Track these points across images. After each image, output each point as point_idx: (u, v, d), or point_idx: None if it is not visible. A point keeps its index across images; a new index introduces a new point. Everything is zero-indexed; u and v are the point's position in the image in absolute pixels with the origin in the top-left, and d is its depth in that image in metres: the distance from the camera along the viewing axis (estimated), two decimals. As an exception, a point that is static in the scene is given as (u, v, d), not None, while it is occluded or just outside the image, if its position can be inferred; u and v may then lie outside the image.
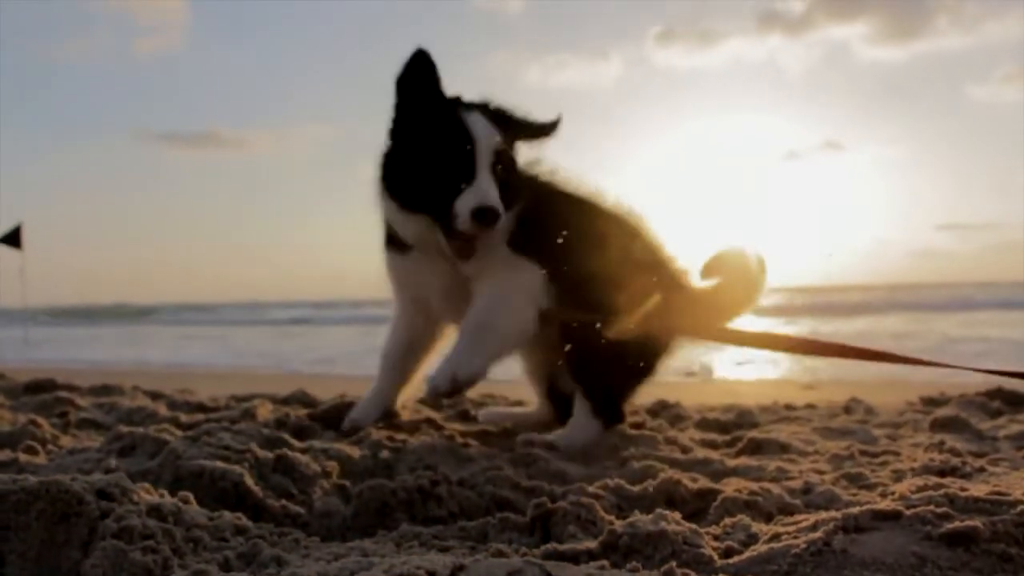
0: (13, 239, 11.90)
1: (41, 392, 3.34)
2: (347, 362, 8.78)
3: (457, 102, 2.26)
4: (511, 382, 3.19)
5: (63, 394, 3.16)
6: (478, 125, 2.19)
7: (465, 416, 3.07)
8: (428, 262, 2.35)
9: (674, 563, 1.23)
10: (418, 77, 2.22)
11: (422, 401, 3.41)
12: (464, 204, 2.11)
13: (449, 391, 2.18)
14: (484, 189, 2.13)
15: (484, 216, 2.10)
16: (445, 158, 2.16)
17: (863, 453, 2.28)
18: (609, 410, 2.45)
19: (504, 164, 2.21)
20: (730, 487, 1.77)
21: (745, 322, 2.58)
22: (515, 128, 2.31)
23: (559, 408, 2.64)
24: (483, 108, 2.27)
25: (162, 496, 1.52)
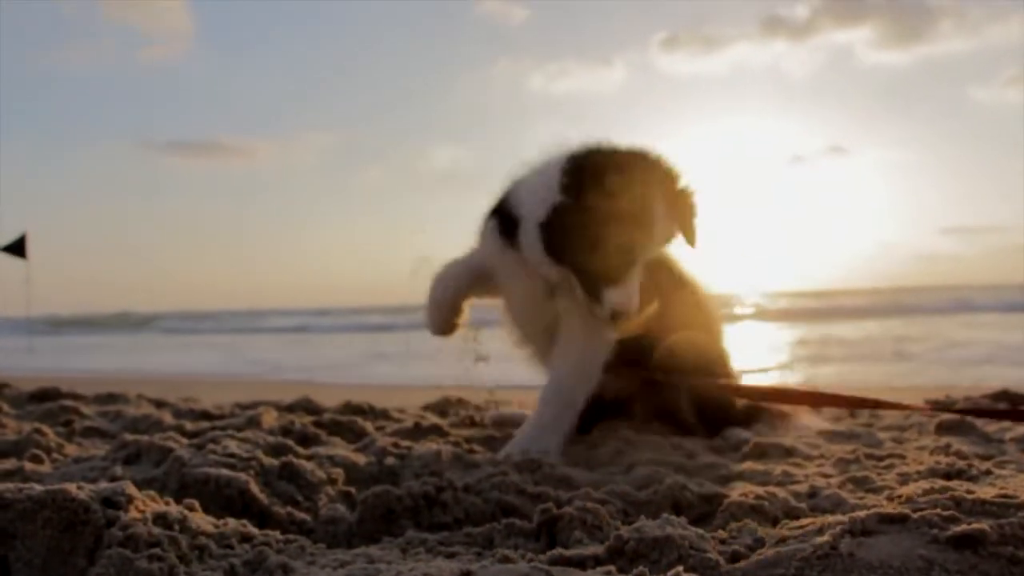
0: (18, 248, 11.94)
1: (46, 401, 3.34)
2: (351, 369, 8.79)
3: (643, 175, 2.25)
4: (513, 388, 3.19)
5: (68, 403, 3.16)
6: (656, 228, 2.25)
7: (470, 422, 3.07)
8: (526, 273, 2.41)
9: (680, 568, 1.22)
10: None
11: (427, 407, 3.42)
12: (610, 300, 2.22)
13: (522, 464, 2.17)
14: (630, 294, 2.23)
15: (621, 318, 2.24)
16: (615, 249, 2.22)
17: (869, 456, 2.27)
18: None
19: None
20: (736, 492, 1.76)
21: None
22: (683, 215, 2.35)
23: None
24: (669, 181, 2.30)
25: (168, 504, 1.52)
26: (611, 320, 2.26)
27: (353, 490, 1.90)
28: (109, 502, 1.41)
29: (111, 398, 3.57)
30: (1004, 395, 3.24)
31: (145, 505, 1.45)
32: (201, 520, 1.50)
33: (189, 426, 2.77)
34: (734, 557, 1.32)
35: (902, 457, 2.26)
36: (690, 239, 2.37)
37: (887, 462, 2.20)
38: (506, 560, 1.31)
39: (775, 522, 1.58)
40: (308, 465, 1.94)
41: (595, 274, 2.24)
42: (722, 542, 1.40)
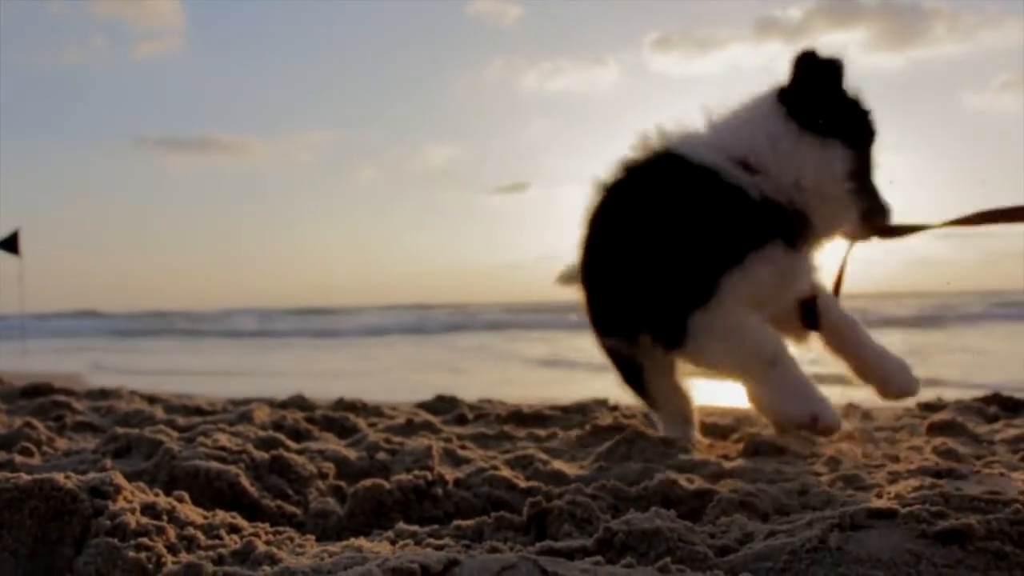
0: (10, 245, 11.89)
1: (38, 396, 3.33)
2: (344, 372, 8.76)
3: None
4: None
5: (60, 398, 3.15)
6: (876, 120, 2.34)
7: (462, 420, 3.07)
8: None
9: (669, 559, 1.22)
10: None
11: (420, 405, 3.42)
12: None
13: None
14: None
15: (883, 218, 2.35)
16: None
17: (860, 456, 2.27)
18: None
19: None
20: (726, 488, 1.76)
21: None
22: None
23: None
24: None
25: (156, 495, 1.51)
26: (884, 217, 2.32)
27: (344, 484, 1.90)
28: (96, 492, 1.40)
29: (103, 394, 3.56)
30: (995, 399, 3.24)
31: (133, 495, 1.45)
32: (190, 511, 1.49)
33: (181, 421, 2.77)
34: (723, 550, 1.32)
35: (893, 457, 2.26)
36: None
37: (878, 461, 2.20)
38: (494, 551, 1.30)
39: (765, 518, 1.58)
40: (299, 459, 1.93)
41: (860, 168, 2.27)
42: (712, 535, 1.40)
